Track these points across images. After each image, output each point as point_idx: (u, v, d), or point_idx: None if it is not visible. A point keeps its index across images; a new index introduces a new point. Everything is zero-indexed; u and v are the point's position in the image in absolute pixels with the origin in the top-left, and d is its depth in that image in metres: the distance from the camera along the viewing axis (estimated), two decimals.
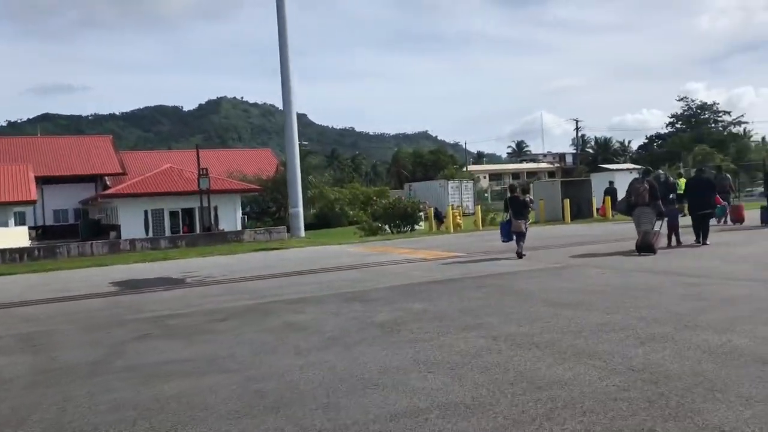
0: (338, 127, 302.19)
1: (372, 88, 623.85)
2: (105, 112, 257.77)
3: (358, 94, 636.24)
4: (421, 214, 24.89)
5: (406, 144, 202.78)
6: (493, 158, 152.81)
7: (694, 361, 4.96)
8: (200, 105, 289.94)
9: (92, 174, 51.02)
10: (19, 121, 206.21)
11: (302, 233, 24.26)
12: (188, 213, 39.12)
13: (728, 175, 23.29)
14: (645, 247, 12.54)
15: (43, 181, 46.03)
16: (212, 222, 35.19)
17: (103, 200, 41.70)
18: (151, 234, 36.07)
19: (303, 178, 51.89)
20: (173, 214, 39.33)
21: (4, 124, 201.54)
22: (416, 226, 24.98)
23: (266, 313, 8.43)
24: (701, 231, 14.04)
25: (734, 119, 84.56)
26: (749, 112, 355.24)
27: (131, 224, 37.03)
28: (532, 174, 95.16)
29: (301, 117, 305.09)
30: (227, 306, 9.33)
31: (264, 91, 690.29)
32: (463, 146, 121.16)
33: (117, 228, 38.18)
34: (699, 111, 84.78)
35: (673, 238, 14.15)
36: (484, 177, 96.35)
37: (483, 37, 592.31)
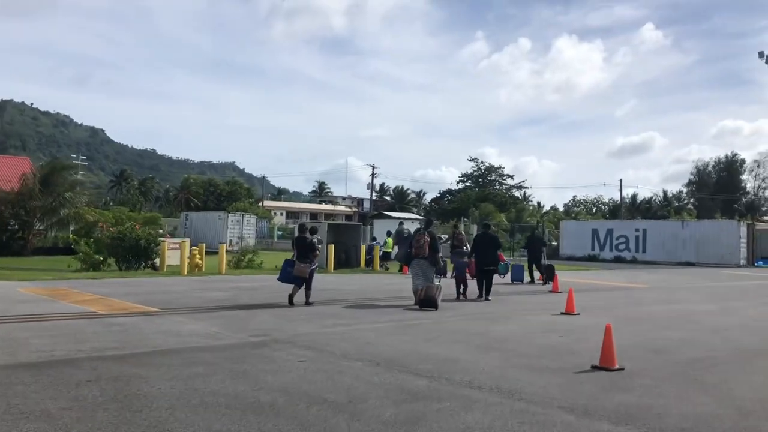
0: (139, 148, 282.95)
1: (182, 112, 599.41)
2: None
3: (167, 115, 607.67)
4: (157, 248, 20.06)
5: (211, 173, 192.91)
6: (300, 197, 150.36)
7: None
8: None
9: None
10: None
11: None
12: None
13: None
14: (427, 301, 11.83)
15: None
16: None
17: None
18: None
19: (56, 194, 44.34)
20: None
21: None
22: (155, 264, 20.15)
23: None
24: (485, 286, 14.07)
25: (516, 183, 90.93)
26: (532, 179, 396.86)
27: None
28: (329, 215, 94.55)
29: (98, 132, 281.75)
30: None
31: (58, 101, 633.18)
32: (272, 182, 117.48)
33: None
34: (486, 172, 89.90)
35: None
36: (281, 214, 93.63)
37: (303, 78, 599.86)
